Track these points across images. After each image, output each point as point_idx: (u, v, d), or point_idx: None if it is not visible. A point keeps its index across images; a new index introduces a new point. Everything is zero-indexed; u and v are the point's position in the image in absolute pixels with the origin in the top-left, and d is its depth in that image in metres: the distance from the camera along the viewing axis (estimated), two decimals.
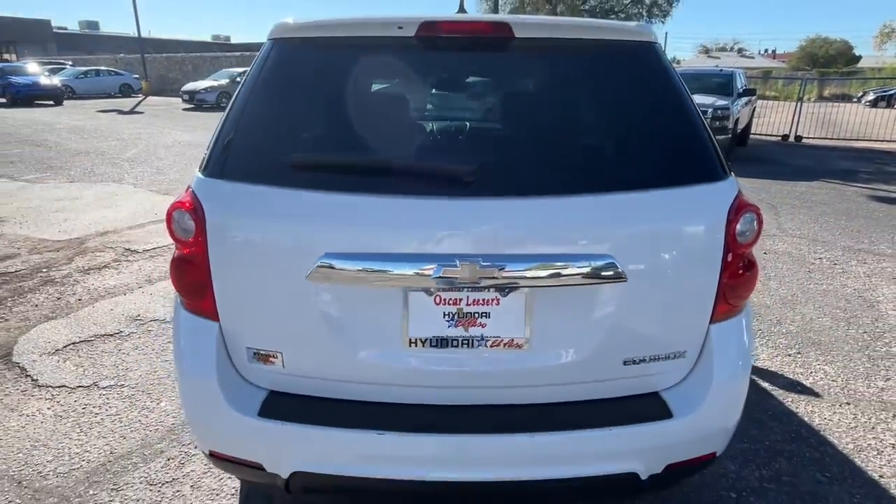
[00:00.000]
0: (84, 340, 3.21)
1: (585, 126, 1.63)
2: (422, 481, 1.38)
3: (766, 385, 2.83)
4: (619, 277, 1.34)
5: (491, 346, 1.41)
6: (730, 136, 10.09)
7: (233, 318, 1.46)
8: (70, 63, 30.07)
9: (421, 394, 1.45)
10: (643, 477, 1.44)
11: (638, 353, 1.45)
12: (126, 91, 26.32)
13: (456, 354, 1.41)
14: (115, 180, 7.65)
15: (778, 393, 2.76)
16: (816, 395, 2.76)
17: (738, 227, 1.44)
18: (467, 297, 1.37)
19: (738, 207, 1.45)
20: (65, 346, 3.14)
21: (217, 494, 2.04)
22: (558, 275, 1.33)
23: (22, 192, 6.90)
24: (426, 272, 1.29)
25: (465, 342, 1.40)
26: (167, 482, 2.10)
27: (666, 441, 1.44)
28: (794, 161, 10.50)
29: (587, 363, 1.44)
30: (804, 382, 2.86)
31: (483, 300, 1.37)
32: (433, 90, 1.68)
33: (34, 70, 21.88)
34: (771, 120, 14.13)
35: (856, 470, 2.23)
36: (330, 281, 1.35)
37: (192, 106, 20.49)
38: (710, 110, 9.90)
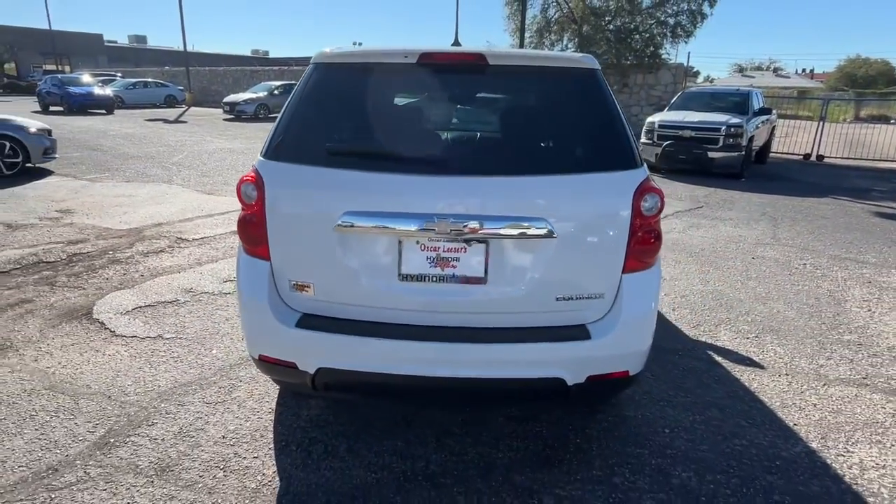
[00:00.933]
0: (148, 305, 3.87)
1: (536, 128, 2.19)
2: (406, 375, 1.94)
3: (719, 359, 3.29)
4: (550, 235, 1.89)
5: (460, 282, 1.97)
6: (743, 153, 10.42)
7: (280, 259, 2.05)
8: (120, 75, 31.99)
9: (409, 315, 2.01)
10: (569, 383, 1.97)
11: (566, 292, 1.99)
12: (171, 102, 27.86)
13: (435, 286, 1.97)
14: (165, 181, 8.47)
15: (728, 365, 3.22)
16: (761, 367, 3.21)
17: (643, 203, 1.97)
18: (443, 246, 1.94)
19: (643, 189, 1.99)
20: (133, 309, 3.80)
21: (256, 412, 2.63)
22: (507, 231, 1.89)
23: (85, 189, 7.77)
24: (413, 227, 1.87)
25: (442, 278, 1.97)
26: (219, 402, 2.70)
27: (584, 355, 1.97)
28: (808, 178, 10.73)
29: (529, 297, 1.98)
30: (754, 359, 3.31)
31: (455, 248, 1.94)
32: (428, 101, 2.26)
33: (88, 81, 23.46)
34: (798, 139, 14.29)
35: (775, 419, 2.68)
36: (348, 231, 1.93)
37: (233, 116, 21.65)
38: (722, 128, 10.30)
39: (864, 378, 3.10)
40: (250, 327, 2.12)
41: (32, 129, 8.62)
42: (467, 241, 1.93)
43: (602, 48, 17.48)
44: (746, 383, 3.01)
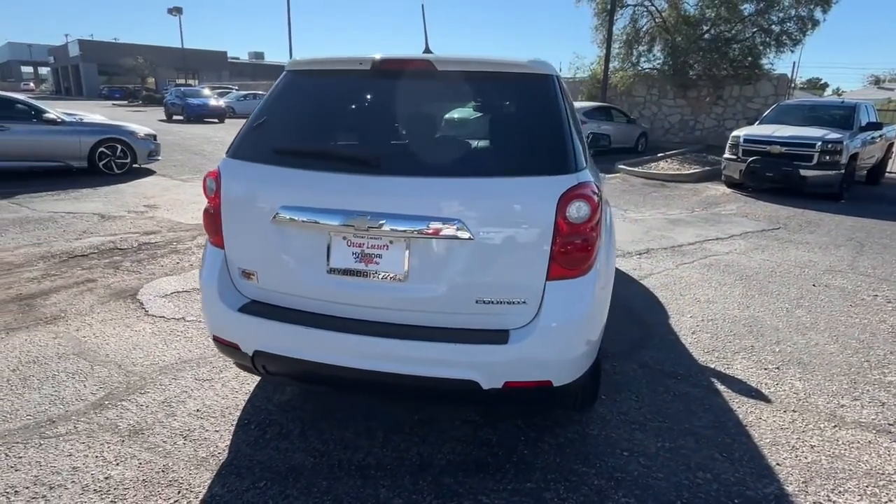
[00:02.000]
0: (185, 291, 4.29)
1: (468, 131, 2.21)
2: (330, 365, 2.03)
3: (721, 387, 3.04)
4: (466, 237, 1.90)
5: (382, 278, 2.02)
6: (842, 171, 9.40)
7: (231, 248, 2.24)
8: (236, 88, 35.26)
9: (336, 308, 2.10)
10: (484, 387, 1.95)
11: (487, 296, 1.98)
12: None
13: (360, 281, 2.05)
14: None
15: (729, 395, 2.96)
16: (767, 400, 2.92)
17: (569, 210, 1.92)
18: (367, 243, 2.02)
19: (571, 196, 1.93)
20: (171, 293, 4.23)
21: (235, 392, 2.84)
22: (421, 231, 1.92)
23: (175, 188, 8.70)
24: (336, 222, 1.97)
25: (366, 273, 2.04)
26: (207, 379, 2.95)
27: (499, 360, 1.94)
28: None
29: (449, 298, 1.99)
30: (763, 391, 3.02)
31: (378, 245, 2.01)
32: (376, 105, 2.35)
33: (205, 93, 26.12)
34: None
35: (757, 456, 2.44)
36: (283, 224, 2.07)
37: None
38: (817, 143, 9.38)
39: (892, 424, 2.72)
40: (205, 309, 2.32)
41: (140, 134, 9.79)
42: (390, 239, 1.99)
43: (695, 58, 16.55)
44: (741, 416, 2.76)
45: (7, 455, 2.29)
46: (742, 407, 2.84)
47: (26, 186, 8.13)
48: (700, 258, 5.70)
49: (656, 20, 17.42)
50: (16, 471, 2.20)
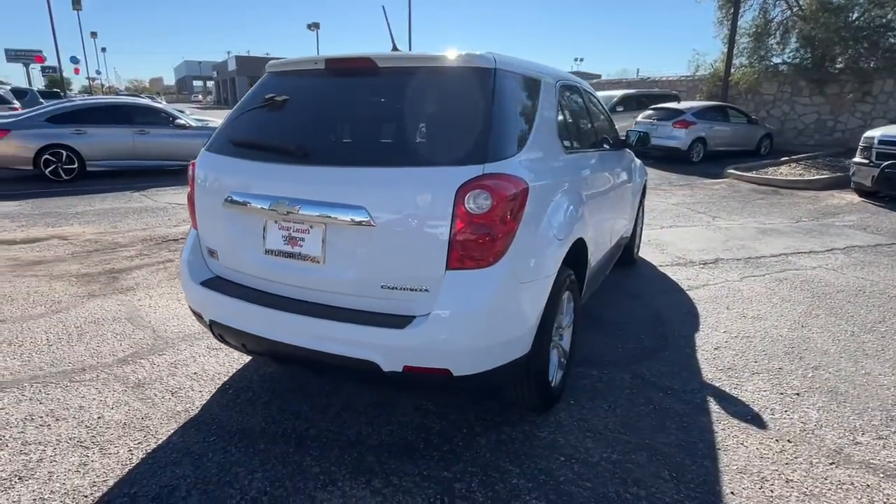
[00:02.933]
0: None
1: (393, 122, 2.27)
2: (262, 337, 2.23)
3: (715, 407, 2.76)
4: (369, 224, 1.99)
5: (305, 260, 2.18)
6: None
7: (201, 229, 2.54)
8: None
9: (271, 286, 2.30)
10: (384, 369, 2.02)
11: (391, 281, 2.04)
12: None
13: (287, 261, 2.22)
14: None
15: (719, 416, 2.68)
16: (763, 427, 2.60)
17: (467, 200, 1.93)
18: (293, 227, 2.19)
19: (471, 187, 1.94)
20: None
21: (234, 361, 3.17)
22: (330, 216, 2.05)
23: None
24: (264, 205, 2.17)
25: (292, 255, 2.21)
26: (216, 348, 3.33)
27: (396, 344, 2.00)
28: None
29: (357, 281, 2.09)
30: (764, 417, 2.68)
31: (302, 229, 2.17)
32: (323, 101, 2.48)
33: None
34: None
35: (712, 482, 2.20)
36: (230, 208, 2.32)
37: None
38: None
39: None
40: (182, 282, 2.66)
41: None
42: (311, 224, 2.14)
43: (838, 50, 14.56)
44: (720, 439, 2.50)
45: (39, 392, 2.81)
46: (726, 430, 2.56)
47: (158, 182, 9.55)
48: (776, 272, 5.10)
49: (792, 9, 15.61)
50: (39, 403, 2.70)
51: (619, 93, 15.99)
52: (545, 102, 2.65)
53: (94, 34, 66.85)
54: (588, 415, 2.67)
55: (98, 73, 78.69)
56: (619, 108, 15.01)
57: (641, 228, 5.48)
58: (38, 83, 49.20)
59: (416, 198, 2.04)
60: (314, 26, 46.32)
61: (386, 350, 2.03)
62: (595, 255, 3.21)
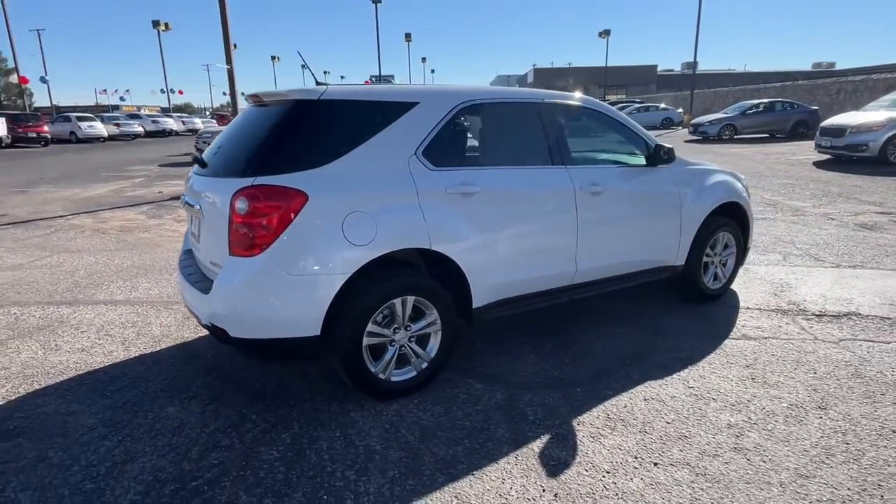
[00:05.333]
0: None
1: (238, 143, 2.86)
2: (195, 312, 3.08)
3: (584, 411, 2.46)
4: (199, 213, 2.76)
5: (200, 244, 3.01)
6: None
7: (188, 227, 3.59)
8: (638, 100, 36.12)
9: (206, 269, 3.12)
10: (202, 322, 2.74)
11: (214, 258, 2.78)
12: (666, 124, 29.62)
13: (197, 249, 3.08)
14: None
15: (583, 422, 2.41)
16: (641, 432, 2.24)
17: (236, 204, 2.53)
18: (194, 216, 3.05)
19: (240, 194, 2.52)
20: None
21: None
22: (193, 207, 2.93)
23: None
24: (187, 203, 3.07)
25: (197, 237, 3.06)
26: None
27: (203, 305, 2.70)
28: None
29: (205, 258, 2.89)
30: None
31: (196, 217, 3.01)
32: (235, 125, 3.09)
33: None
34: None
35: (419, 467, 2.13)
36: (183, 206, 3.26)
37: (697, 137, 21.45)
38: None
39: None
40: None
41: None
42: (199, 217, 2.98)
43: None
44: (554, 440, 2.30)
45: (70, 313, 4.34)
46: (589, 439, 2.32)
47: None
48: None
49: None
50: (73, 311, 4.21)
51: None
52: (403, 124, 2.86)
53: (423, 59, 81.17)
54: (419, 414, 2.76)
55: None
56: None
57: (735, 263, 4.46)
58: None
59: (216, 199, 2.71)
60: (605, 34, 46.18)
61: (202, 309, 2.74)
62: (499, 273, 3.11)
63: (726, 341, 3.63)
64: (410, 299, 2.84)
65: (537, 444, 2.51)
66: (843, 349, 3.48)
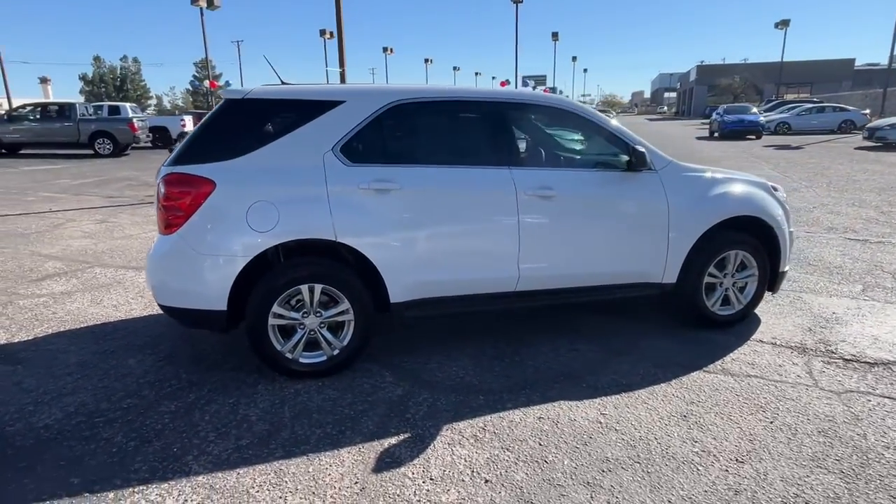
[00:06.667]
0: None
1: (190, 135, 3.19)
2: None
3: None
4: None
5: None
6: None
7: None
8: (816, 99, 31.21)
9: None
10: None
11: None
12: (846, 128, 25.27)
13: None
14: None
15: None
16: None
17: (159, 187, 2.91)
18: None
19: (162, 179, 2.92)
20: None
21: None
22: None
23: None
24: None
25: None
26: None
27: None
28: None
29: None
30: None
31: None
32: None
33: (752, 110, 25.01)
34: None
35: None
36: None
37: (873, 144, 18.01)
38: None
39: None
40: None
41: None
42: None
43: None
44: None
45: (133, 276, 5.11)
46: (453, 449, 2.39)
47: None
48: None
49: None
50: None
51: None
52: (323, 122, 3.04)
53: (574, 58, 78.96)
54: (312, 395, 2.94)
55: (585, 95, 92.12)
56: None
57: (757, 288, 3.84)
58: None
59: (158, 183, 3.10)
60: (783, 24, 40.40)
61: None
62: (420, 271, 3.13)
63: (694, 373, 3.19)
64: (318, 287, 3.02)
65: (390, 441, 2.53)
66: (836, 402, 2.85)
